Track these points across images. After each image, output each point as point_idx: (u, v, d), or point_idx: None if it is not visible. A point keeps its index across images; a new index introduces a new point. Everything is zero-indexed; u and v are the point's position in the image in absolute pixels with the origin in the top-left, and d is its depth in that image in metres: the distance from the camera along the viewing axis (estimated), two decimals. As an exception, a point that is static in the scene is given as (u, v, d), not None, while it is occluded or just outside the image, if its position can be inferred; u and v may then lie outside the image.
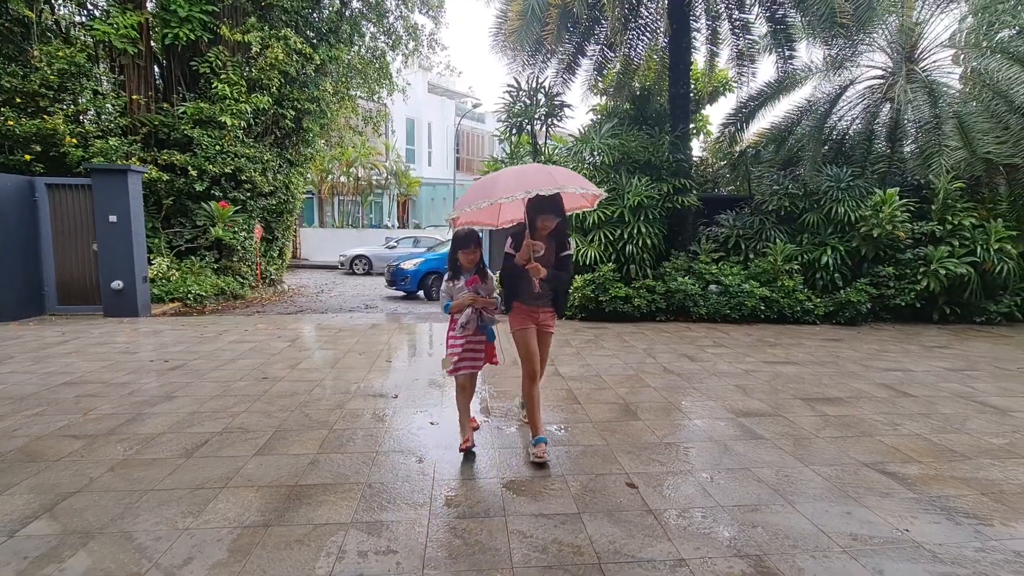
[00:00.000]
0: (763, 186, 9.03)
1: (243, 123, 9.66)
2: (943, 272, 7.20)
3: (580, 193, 3.01)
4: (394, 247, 17.93)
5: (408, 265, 11.40)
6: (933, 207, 7.74)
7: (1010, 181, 7.98)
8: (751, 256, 8.17)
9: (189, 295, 8.70)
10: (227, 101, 9.36)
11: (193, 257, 9.49)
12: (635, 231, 7.81)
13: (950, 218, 7.60)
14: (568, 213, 3.27)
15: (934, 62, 9.05)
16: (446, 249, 12.06)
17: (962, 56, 8.67)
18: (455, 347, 3.13)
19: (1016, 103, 7.31)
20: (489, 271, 3.22)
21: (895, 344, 6.38)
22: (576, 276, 7.76)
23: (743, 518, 2.50)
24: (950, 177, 7.61)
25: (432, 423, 3.67)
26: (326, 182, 24.72)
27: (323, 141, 14.88)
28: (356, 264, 17.85)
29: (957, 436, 3.53)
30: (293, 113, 10.65)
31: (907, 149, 8.86)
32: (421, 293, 11.35)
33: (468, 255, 3.13)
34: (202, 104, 9.31)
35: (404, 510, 2.52)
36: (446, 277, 3.19)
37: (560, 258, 3.14)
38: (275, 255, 11.90)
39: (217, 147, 9.37)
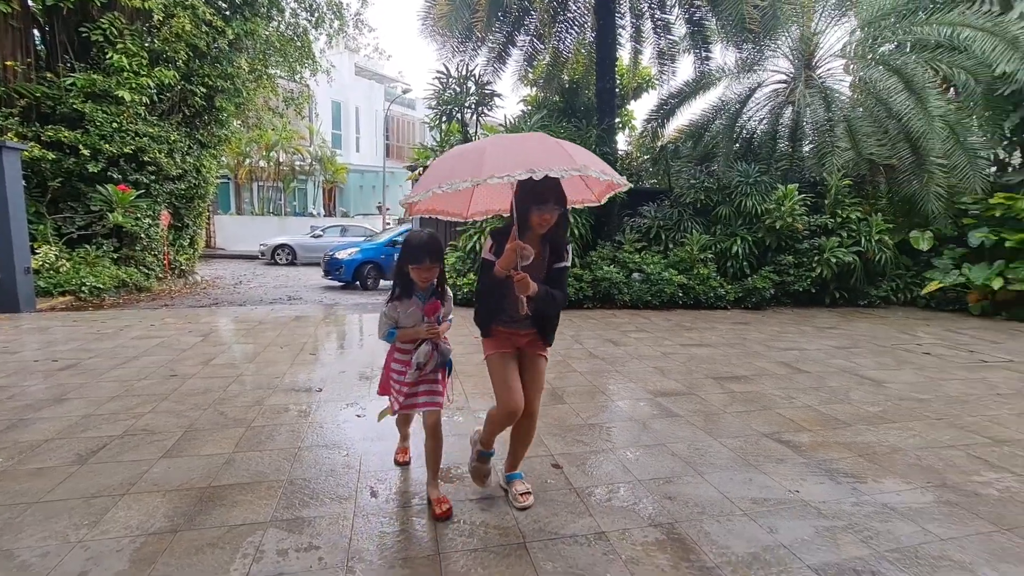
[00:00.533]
0: (682, 180, 9.55)
1: (145, 99, 8.81)
2: (834, 260, 8.00)
3: (601, 179, 2.12)
4: (320, 236, 17.19)
5: (343, 255, 11.22)
6: (826, 201, 8.56)
7: (888, 179, 8.98)
8: (671, 246, 8.65)
9: (83, 287, 7.87)
10: (125, 74, 8.49)
11: (88, 246, 8.58)
12: (564, 221, 7.98)
13: (840, 212, 8.45)
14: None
15: (829, 70, 9.94)
16: (383, 239, 11.93)
17: (851, 66, 9.60)
18: (399, 384, 2.43)
19: (894, 110, 8.22)
20: (448, 289, 2.53)
21: (793, 326, 7.03)
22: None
23: (658, 490, 2.68)
24: (840, 175, 8.44)
25: (359, 415, 3.59)
26: (243, 166, 23.15)
27: (239, 122, 13.91)
28: (278, 254, 16.95)
29: (841, 406, 3.97)
30: (204, 90, 9.86)
31: (806, 148, 9.70)
32: (357, 283, 11.15)
33: (424, 272, 2.31)
34: (95, 76, 8.38)
35: (328, 505, 2.46)
36: (390, 296, 2.42)
37: (555, 270, 2.33)
38: (186, 244, 11.04)
39: (114, 124, 8.49)
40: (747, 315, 7.77)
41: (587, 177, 2.31)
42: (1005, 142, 8.97)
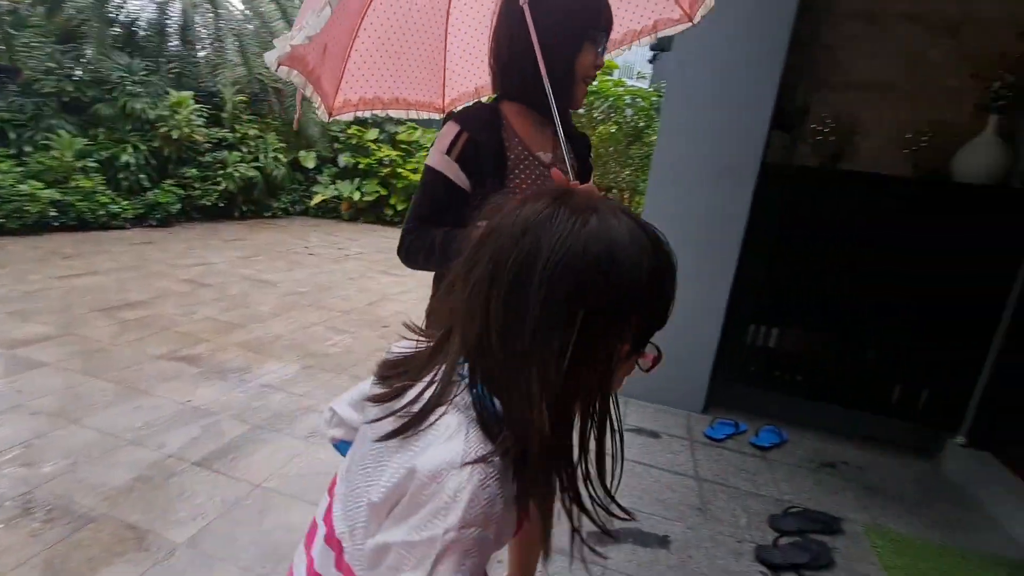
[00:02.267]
0: (36, 61, 7.16)
1: None
2: (237, 175, 8.36)
3: None
4: None
5: None
6: (224, 115, 8.64)
7: (280, 102, 9.95)
8: (28, 149, 6.55)
9: None
10: None
11: None
12: None
13: (239, 127, 8.76)
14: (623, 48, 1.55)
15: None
16: None
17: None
18: None
19: (277, 35, 8.97)
20: None
21: (201, 241, 7.02)
22: None
23: (15, 460, 2.24)
24: (235, 90, 8.64)
25: None
26: None
27: None
28: None
29: (239, 311, 4.42)
30: None
31: (200, 54, 9.23)
32: None
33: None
34: None
35: None
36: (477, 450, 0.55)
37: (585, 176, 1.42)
38: None
39: None
40: (152, 233, 7.10)
41: None
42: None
